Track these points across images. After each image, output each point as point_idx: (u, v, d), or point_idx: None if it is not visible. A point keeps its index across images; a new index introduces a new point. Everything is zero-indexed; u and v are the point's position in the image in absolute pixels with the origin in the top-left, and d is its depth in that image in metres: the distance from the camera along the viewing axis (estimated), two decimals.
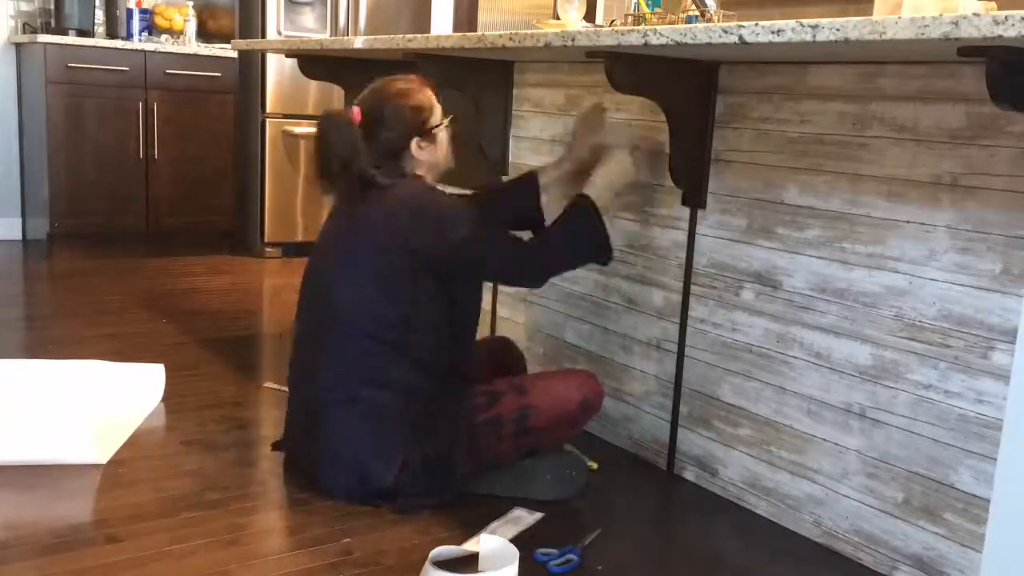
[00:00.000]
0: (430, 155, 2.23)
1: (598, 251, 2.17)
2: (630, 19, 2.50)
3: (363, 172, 2.12)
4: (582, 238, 2.16)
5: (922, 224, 1.77)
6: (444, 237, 2.07)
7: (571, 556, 1.87)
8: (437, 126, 2.23)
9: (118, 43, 4.66)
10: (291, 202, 4.89)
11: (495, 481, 2.13)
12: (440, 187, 2.23)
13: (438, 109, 2.24)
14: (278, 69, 4.71)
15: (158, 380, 2.61)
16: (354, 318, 2.06)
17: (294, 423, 2.22)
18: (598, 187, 2.20)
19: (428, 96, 2.23)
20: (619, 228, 2.43)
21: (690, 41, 1.64)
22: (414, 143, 2.19)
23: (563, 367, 2.65)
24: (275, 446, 2.30)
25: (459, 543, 1.86)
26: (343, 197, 2.23)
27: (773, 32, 1.51)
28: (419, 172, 2.22)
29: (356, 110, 2.21)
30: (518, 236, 2.18)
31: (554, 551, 1.88)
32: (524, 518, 2.04)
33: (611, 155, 2.25)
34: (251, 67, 4.79)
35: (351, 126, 2.15)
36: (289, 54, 3.34)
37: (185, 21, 5.04)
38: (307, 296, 2.21)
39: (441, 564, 1.73)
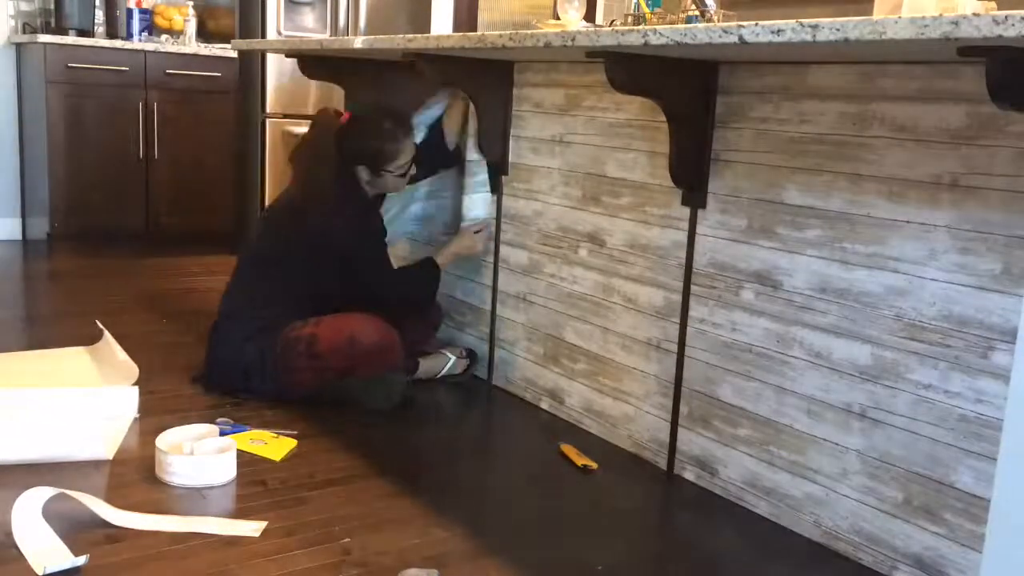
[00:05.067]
0: (373, 185, 2.71)
1: (427, 293, 2.85)
2: (630, 19, 2.51)
3: (320, 168, 2.66)
4: (420, 283, 2.81)
5: (922, 224, 1.77)
6: (348, 250, 2.65)
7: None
8: (388, 172, 2.67)
9: (118, 43, 4.66)
10: None
11: (329, 394, 2.60)
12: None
13: (401, 160, 2.67)
14: (278, 69, 4.70)
15: (131, 402, 2.45)
16: (268, 265, 2.70)
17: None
18: (446, 254, 2.85)
19: (395, 149, 2.66)
20: (620, 228, 2.44)
21: (690, 41, 1.64)
22: (361, 169, 2.67)
23: (562, 366, 2.66)
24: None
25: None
26: (297, 177, 2.77)
27: (773, 32, 1.51)
28: (366, 186, 2.70)
29: (347, 115, 2.69)
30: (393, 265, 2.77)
31: (232, 420, 2.43)
32: None
33: (462, 233, 2.87)
34: (251, 67, 4.79)
35: (335, 123, 2.67)
36: (289, 54, 3.34)
37: (185, 21, 5.04)
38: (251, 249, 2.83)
39: None
